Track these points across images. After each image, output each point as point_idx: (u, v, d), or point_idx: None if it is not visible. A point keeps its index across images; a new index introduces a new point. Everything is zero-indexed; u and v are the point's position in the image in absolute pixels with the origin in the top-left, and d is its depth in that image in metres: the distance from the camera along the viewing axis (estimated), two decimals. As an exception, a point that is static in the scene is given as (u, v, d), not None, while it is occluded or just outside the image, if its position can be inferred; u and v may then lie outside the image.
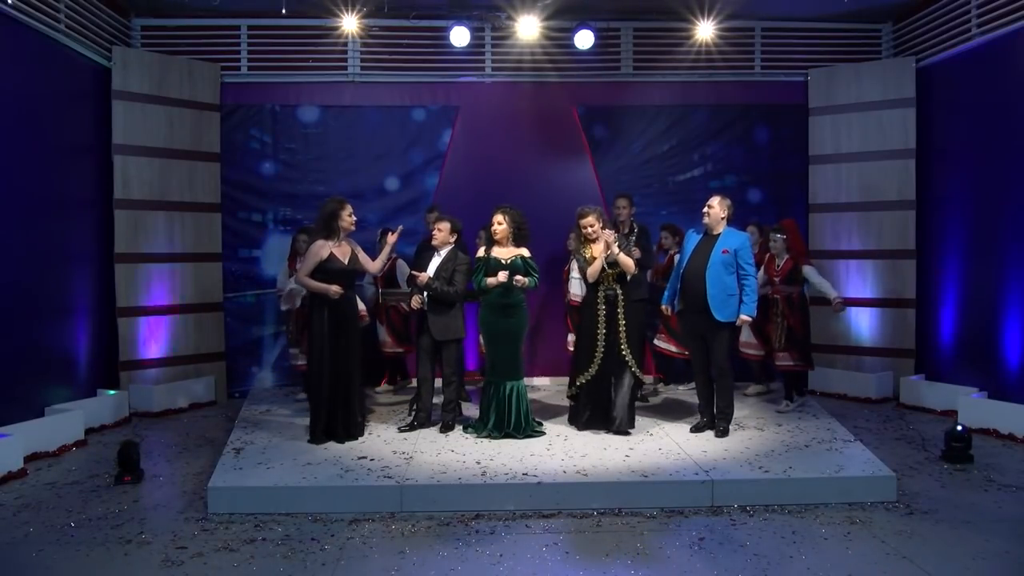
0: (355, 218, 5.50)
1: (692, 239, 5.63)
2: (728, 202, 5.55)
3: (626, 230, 6.49)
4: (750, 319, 5.53)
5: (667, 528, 4.17)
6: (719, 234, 5.50)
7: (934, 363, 7.13)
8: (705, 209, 5.54)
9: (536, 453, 5.09)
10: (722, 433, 5.46)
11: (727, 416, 5.54)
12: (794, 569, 3.66)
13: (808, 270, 6.46)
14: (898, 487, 4.55)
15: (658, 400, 6.76)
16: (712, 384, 5.63)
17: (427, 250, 5.98)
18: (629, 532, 4.11)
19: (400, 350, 7.11)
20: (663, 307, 5.87)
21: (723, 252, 5.41)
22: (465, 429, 5.67)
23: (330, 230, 5.39)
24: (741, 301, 5.45)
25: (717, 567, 3.68)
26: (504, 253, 5.57)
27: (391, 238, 5.60)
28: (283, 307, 6.63)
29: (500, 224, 5.56)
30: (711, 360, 5.53)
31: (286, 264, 6.78)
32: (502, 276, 5.44)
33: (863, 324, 7.54)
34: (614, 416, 5.54)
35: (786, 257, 6.39)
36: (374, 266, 5.70)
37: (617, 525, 4.21)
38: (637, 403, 5.92)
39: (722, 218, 5.50)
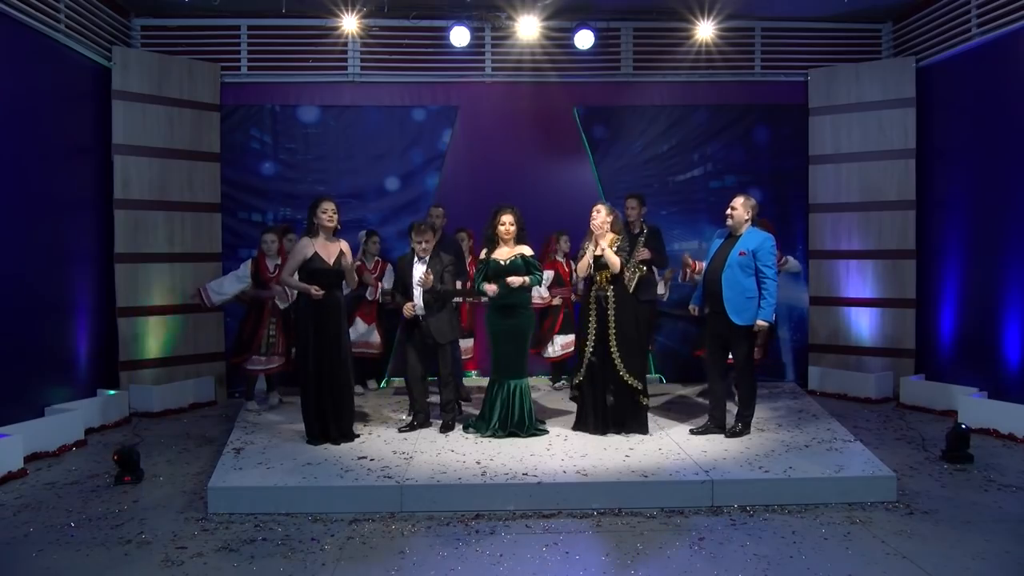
0: (335, 215, 5.37)
1: (715, 242, 5.59)
2: (752, 202, 5.45)
3: (636, 230, 6.49)
4: (767, 325, 5.33)
5: (667, 528, 4.17)
6: (740, 235, 5.42)
7: (934, 363, 7.13)
8: (728, 211, 5.46)
9: (536, 453, 5.09)
10: (735, 434, 5.43)
11: (745, 418, 5.50)
12: (794, 569, 3.66)
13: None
14: (898, 487, 4.55)
15: (659, 401, 6.76)
16: (724, 386, 5.62)
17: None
18: (629, 532, 4.11)
19: (380, 352, 7.15)
20: (691, 307, 5.80)
21: (740, 254, 5.32)
22: (466, 428, 5.68)
23: (311, 227, 5.37)
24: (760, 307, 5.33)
25: (717, 567, 3.68)
26: (504, 254, 5.57)
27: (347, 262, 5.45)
28: (281, 305, 6.45)
29: (512, 224, 5.55)
30: (734, 362, 5.49)
31: (248, 265, 6.51)
32: (516, 280, 5.46)
33: (863, 324, 7.54)
34: (612, 420, 5.52)
35: None
36: (350, 275, 5.54)
37: (617, 525, 4.21)
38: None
39: (746, 220, 5.41)
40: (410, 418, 5.84)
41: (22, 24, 5.78)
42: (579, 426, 5.63)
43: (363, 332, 6.96)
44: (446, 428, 5.67)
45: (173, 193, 7.18)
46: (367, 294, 6.88)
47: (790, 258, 6.84)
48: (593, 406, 5.55)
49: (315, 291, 5.22)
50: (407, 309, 5.63)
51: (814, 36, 7.85)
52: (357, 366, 6.57)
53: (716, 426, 5.54)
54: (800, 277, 7.74)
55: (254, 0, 7.21)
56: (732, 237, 5.47)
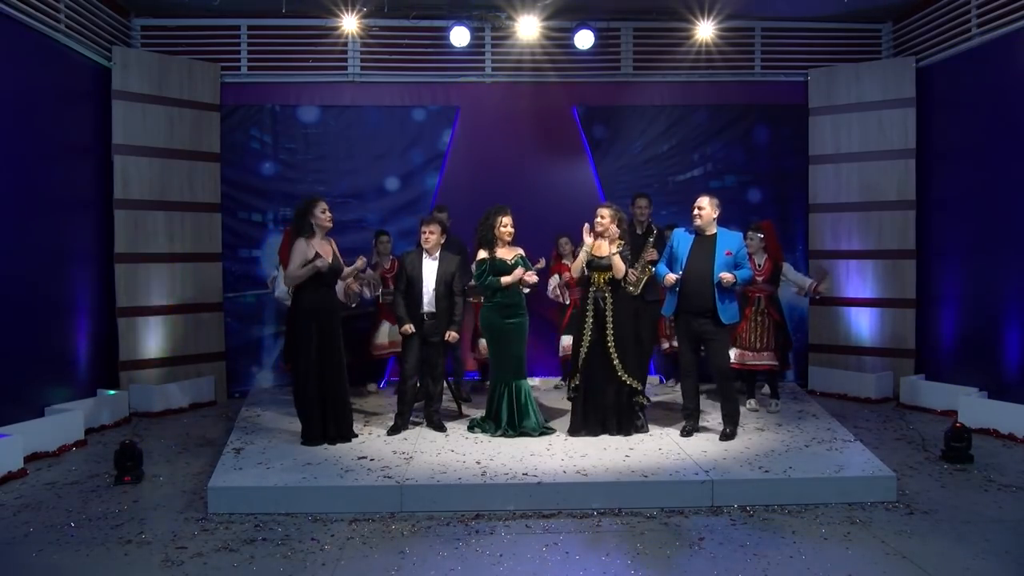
0: (330, 215, 5.41)
1: (685, 240, 5.50)
2: (717, 201, 5.48)
3: (640, 230, 6.47)
4: (733, 279, 5.25)
5: (667, 528, 4.17)
6: (714, 234, 5.44)
7: (934, 363, 7.12)
8: (696, 211, 5.44)
9: (536, 453, 5.09)
10: (728, 436, 5.40)
11: (734, 419, 5.48)
12: (794, 569, 3.66)
13: (787, 267, 6.62)
14: (898, 487, 4.55)
15: (659, 401, 6.75)
16: (699, 386, 5.60)
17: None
18: (629, 532, 4.11)
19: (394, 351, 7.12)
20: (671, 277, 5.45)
21: (727, 254, 5.35)
22: (471, 429, 5.69)
23: (305, 228, 5.30)
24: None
25: (717, 567, 3.68)
26: (507, 254, 5.62)
27: (359, 263, 5.53)
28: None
29: (512, 226, 5.64)
30: (713, 364, 5.45)
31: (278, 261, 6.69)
32: (519, 272, 5.53)
33: (863, 324, 7.54)
34: (609, 423, 5.50)
35: (765, 256, 6.37)
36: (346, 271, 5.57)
37: (617, 525, 4.21)
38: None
39: (714, 218, 5.45)
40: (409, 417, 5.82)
41: (22, 24, 5.77)
42: (575, 430, 5.53)
43: (394, 331, 6.93)
44: (439, 426, 5.70)
45: (173, 193, 7.18)
46: (367, 295, 6.83)
47: (791, 269, 6.75)
48: (591, 409, 5.51)
49: (320, 264, 5.18)
50: (405, 331, 5.61)
51: (814, 36, 7.85)
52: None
53: (695, 419, 5.56)
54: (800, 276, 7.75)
55: (254, 0, 7.21)
56: (703, 236, 5.45)
